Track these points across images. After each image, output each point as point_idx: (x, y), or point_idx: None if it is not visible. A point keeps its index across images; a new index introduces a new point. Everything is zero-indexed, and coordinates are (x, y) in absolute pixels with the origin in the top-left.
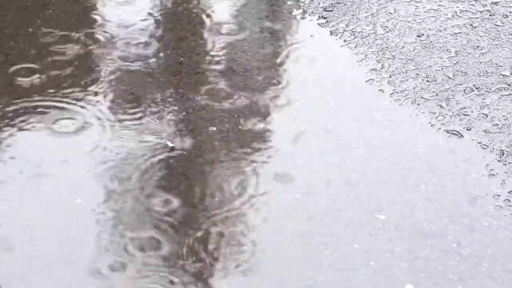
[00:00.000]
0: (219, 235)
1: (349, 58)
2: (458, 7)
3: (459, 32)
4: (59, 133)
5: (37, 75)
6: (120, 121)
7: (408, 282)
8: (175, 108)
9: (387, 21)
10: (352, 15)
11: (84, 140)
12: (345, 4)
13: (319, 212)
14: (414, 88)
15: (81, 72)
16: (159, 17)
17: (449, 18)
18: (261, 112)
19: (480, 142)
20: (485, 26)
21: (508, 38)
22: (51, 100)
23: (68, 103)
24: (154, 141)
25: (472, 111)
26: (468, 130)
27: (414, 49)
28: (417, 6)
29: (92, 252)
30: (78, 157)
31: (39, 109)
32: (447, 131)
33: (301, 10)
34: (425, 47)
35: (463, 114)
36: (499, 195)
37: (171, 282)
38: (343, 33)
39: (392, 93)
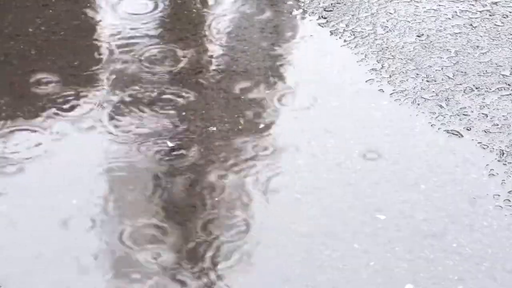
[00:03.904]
0: (219, 235)
1: (349, 58)
2: (458, 7)
3: (459, 32)
4: (57, 133)
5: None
6: (120, 121)
7: (408, 282)
8: (175, 108)
9: (387, 21)
10: (352, 15)
11: (83, 139)
12: (345, 4)
13: (319, 212)
14: (414, 88)
15: (81, 73)
16: (159, 17)
17: (449, 18)
18: (261, 112)
19: (480, 142)
20: (485, 26)
21: (508, 38)
22: (50, 101)
23: (67, 104)
24: (154, 141)
25: (472, 111)
26: (468, 130)
27: (414, 49)
28: (417, 6)
29: (92, 252)
30: (76, 157)
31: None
32: (447, 131)
33: (301, 10)
34: (425, 47)
35: (463, 114)
36: (499, 195)
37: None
38: (343, 33)
39: (392, 93)
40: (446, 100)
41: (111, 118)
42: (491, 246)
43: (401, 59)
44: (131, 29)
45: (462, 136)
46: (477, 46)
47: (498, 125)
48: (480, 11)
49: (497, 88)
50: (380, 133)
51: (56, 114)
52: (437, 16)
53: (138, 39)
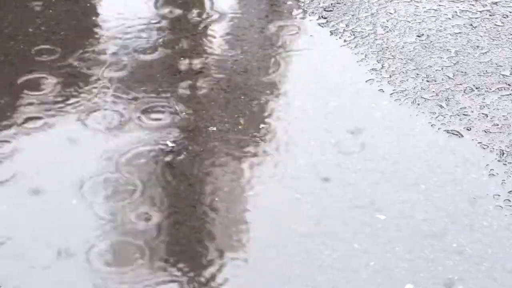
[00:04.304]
0: (219, 234)
1: (349, 58)
2: (458, 7)
3: (459, 32)
4: (58, 133)
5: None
6: (120, 121)
7: (408, 282)
8: (175, 108)
9: (387, 21)
10: (352, 15)
11: (83, 139)
12: (345, 4)
13: (319, 212)
14: (414, 88)
15: (81, 73)
16: (159, 17)
17: (449, 18)
18: (261, 112)
19: (480, 142)
20: (485, 26)
21: (508, 38)
22: (50, 100)
23: (67, 104)
24: (154, 141)
25: (472, 111)
26: (468, 130)
27: (414, 49)
28: (417, 6)
29: (91, 252)
30: (76, 157)
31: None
32: (447, 131)
33: (301, 10)
34: (425, 47)
35: (463, 114)
36: (499, 195)
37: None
38: (343, 33)
39: (392, 93)
40: (446, 100)
41: (112, 117)
42: (491, 246)
43: (401, 59)
44: (131, 29)
45: (462, 136)
46: (477, 46)
47: (498, 125)
48: (480, 11)
49: (497, 88)
50: (380, 133)
51: (56, 114)
52: (437, 16)
53: (138, 38)
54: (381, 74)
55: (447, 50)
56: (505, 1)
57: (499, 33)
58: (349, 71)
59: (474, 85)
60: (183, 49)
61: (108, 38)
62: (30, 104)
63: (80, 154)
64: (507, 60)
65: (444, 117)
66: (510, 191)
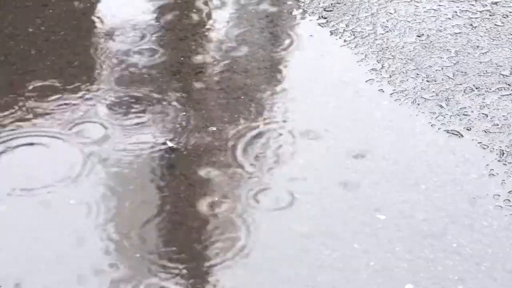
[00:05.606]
0: (218, 234)
1: (349, 58)
2: (458, 7)
3: (459, 32)
4: (59, 133)
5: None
6: (119, 121)
7: (408, 282)
8: (175, 108)
9: (387, 21)
10: (352, 15)
11: (83, 139)
12: (345, 4)
13: (319, 212)
14: (414, 88)
15: (81, 73)
16: (159, 17)
17: (449, 18)
18: (261, 112)
19: (480, 142)
20: (485, 26)
21: (508, 38)
22: (50, 101)
23: (67, 104)
24: (154, 141)
25: (472, 111)
26: (468, 130)
27: (414, 49)
28: (417, 6)
29: (91, 252)
30: (75, 157)
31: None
32: (447, 131)
33: (301, 10)
34: (425, 47)
35: (463, 114)
36: (499, 195)
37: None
38: (343, 33)
39: (392, 93)
40: (446, 100)
41: (111, 118)
42: (491, 246)
43: (401, 59)
44: (131, 29)
45: (462, 136)
46: (477, 46)
47: (498, 125)
48: (480, 11)
49: (497, 88)
50: (380, 133)
51: (56, 113)
52: (437, 16)
53: (138, 39)
54: (381, 74)
55: (447, 50)
56: (505, 1)
57: (499, 33)
58: (349, 71)
59: (474, 85)
60: (183, 49)
61: (108, 39)
62: (30, 103)
63: (77, 153)
64: (507, 60)
65: (444, 117)
66: (510, 191)
